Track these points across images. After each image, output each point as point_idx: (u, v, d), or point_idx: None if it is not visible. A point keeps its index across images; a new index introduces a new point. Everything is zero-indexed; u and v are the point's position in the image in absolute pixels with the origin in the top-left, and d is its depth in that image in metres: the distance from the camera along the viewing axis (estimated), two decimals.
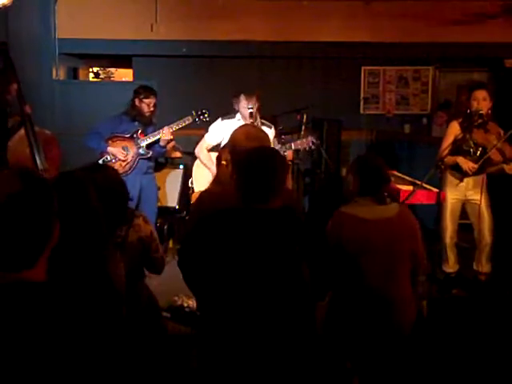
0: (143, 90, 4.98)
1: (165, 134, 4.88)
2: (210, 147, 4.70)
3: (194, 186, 4.87)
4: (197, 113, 5.03)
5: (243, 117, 4.56)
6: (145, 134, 4.97)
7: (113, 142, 4.92)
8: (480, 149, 4.36)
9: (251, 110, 4.45)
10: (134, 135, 4.95)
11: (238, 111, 4.63)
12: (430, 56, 7.79)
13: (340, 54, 7.63)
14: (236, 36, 7.37)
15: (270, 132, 4.60)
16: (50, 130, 4.97)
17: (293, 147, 4.83)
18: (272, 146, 4.19)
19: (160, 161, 6.14)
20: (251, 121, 4.43)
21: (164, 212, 5.63)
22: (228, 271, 2.01)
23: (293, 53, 7.59)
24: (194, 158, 5.06)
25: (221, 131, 4.61)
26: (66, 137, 4.93)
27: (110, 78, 10.12)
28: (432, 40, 7.37)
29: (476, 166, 4.33)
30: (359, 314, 2.80)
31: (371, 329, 2.80)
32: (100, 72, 9.94)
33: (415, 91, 8.20)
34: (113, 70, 10.09)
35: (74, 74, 8.29)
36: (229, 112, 4.75)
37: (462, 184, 4.44)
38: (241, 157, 2.60)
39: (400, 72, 8.19)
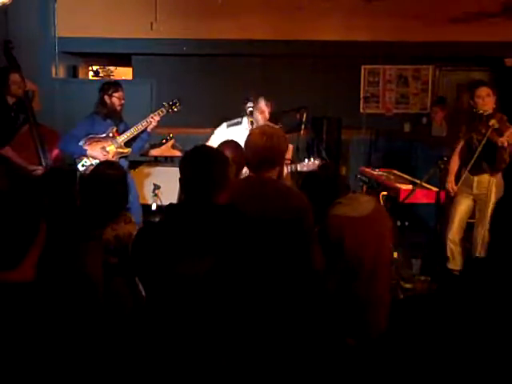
0: (110, 85, 4.84)
1: (151, 121, 4.76)
2: None
3: None
4: (168, 103, 4.91)
5: (255, 120, 4.49)
6: (119, 131, 4.85)
7: (89, 144, 4.74)
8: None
9: (250, 109, 4.46)
10: (110, 134, 4.80)
11: (246, 115, 4.57)
12: (429, 55, 7.78)
13: (340, 52, 7.62)
14: (236, 34, 7.36)
15: None
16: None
17: (298, 169, 4.78)
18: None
19: (159, 159, 6.14)
20: (251, 128, 4.43)
21: (163, 210, 5.62)
22: (164, 267, 2.01)
23: (293, 51, 7.59)
24: None
25: (225, 136, 4.59)
26: (64, 135, 4.91)
27: (109, 76, 10.11)
28: (432, 39, 7.36)
29: (455, 187, 4.47)
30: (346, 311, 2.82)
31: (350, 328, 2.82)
32: (99, 70, 9.93)
33: (415, 90, 8.20)
34: (112, 68, 10.09)
35: (73, 72, 8.28)
36: (229, 110, 4.74)
37: (474, 184, 4.48)
38: (248, 156, 2.62)
39: (400, 71, 8.19)
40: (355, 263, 2.80)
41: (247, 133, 4.45)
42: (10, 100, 4.58)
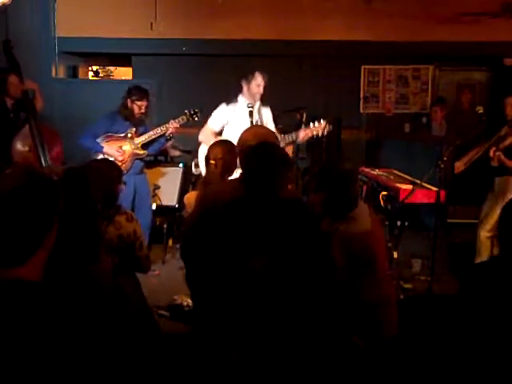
0: (136, 92, 4.88)
1: (170, 127, 4.86)
2: (213, 132, 4.73)
3: (202, 170, 4.83)
4: (189, 112, 4.99)
5: (251, 95, 4.62)
6: (137, 133, 4.92)
7: (107, 142, 4.83)
8: None
9: (251, 109, 4.53)
10: (129, 135, 4.88)
11: (241, 94, 4.70)
12: (429, 55, 7.78)
13: (340, 52, 7.61)
14: (236, 34, 7.35)
15: (269, 111, 4.85)
16: None
17: (309, 134, 4.82)
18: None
19: (160, 159, 6.13)
20: (251, 106, 4.53)
21: (163, 211, 5.63)
22: (234, 258, 2.02)
23: (293, 51, 7.58)
24: (194, 156, 5.06)
25: (225, 115, 4.69)
26: (65, 135, 4.92)
27: (109, 76, 10.10)
28: (432, 39, 7.36)
29: (461, 168, 4.59)
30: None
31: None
32: (99, 70, 9.93)
33: (415, 90, 8.19)
34: (112, 68, 10.08)
35: (73, 72, 8.28)
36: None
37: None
38: (247, 153, 2.61)
39: (400, 71, 8.18)
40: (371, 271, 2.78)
41: (245, 110, 4.55)
42: (9, 102, 4.59)
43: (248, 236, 2.03)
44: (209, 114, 4.96)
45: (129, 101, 4.87)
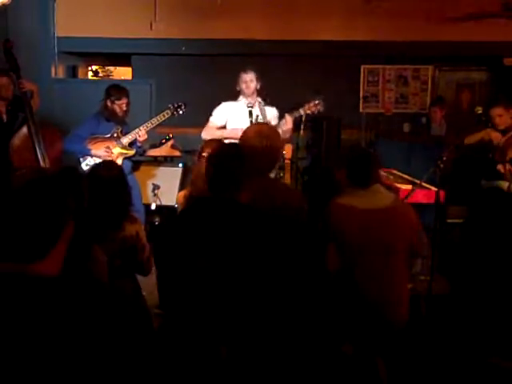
0: (115, 92, 4.82)
1: (141, 135, 4.80)
2: (216, 127, 4.72)
3: None
4: (173, 106, 4.91)
5: (243, 93, 4.64)
6: (123, 133, 4.87)
7: (93, 144, 4.76)
8: None
9: (250, 109, 4.51)
10: (114, 135, 4.82)
11: (241, 95, 4.70)
12: (429, 55, 7.78)
13: (339, 52, 7.62)
14: (235, 34, 7.36)
15: (274, 111, 4.82)
16: None
17: (302, 113, 4.78)
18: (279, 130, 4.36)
19: (159, 159, 6.13)
20: (249, 99, 4.56)
21: (163, 210, 5.62)
22: (189, 256, 2.09)
23: (292, 51, 7.58)
24: (193, 156, 5.05)
25: (225, 112, 4.69)
26: (64, 135, 4.91)
27: (108, 76, 10.11)
28: (432, 39, 7.37)
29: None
30: (351, 309, 2.80)
31: (362, 325, 2.80)
32: (99, 70, 9.93)
33: (415, 90, 8.20)
34: (112, 68, 10.09)
35: (73, 72, 8.28)
36: None
37: None
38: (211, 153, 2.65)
39: (399, 71, 8.19)
40: (355, 252, 2.79)
41: (244, 108, 4.55)
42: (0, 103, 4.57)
43: (198, 235, 2.11)
44: (209, 115, 4.95)
45: (108, 101, 4.80)
